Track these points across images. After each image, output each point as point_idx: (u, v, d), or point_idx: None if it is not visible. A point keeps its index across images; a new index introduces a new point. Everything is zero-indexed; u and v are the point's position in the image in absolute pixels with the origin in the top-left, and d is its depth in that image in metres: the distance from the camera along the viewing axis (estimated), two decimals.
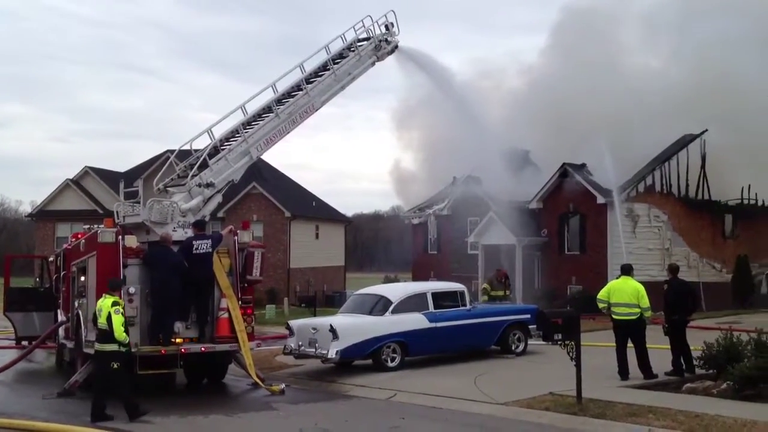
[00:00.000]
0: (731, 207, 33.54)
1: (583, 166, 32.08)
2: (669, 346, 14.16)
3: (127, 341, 12.17)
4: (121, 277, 13.90)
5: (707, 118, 32.19)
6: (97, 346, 12.34)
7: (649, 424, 10.33)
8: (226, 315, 14.96)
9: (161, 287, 14.44)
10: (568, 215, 32.69)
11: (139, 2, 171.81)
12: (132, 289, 14.32)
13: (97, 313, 12.39)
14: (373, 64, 20.69)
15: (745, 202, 33.78)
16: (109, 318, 12.03)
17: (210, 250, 14.86)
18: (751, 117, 30.63)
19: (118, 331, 11.98)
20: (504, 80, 44.15)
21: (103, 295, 12.57)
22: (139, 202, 16.24)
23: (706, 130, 32.53)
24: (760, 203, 33.93)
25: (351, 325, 16.24)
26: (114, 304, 12.16)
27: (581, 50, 38.12)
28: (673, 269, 14.86)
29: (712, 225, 33.19)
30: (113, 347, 12.06)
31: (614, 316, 14.00)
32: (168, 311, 14.51)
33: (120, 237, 14.37)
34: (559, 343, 11.91)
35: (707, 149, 32.70)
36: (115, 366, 12.04)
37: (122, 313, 12.17)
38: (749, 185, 33.40)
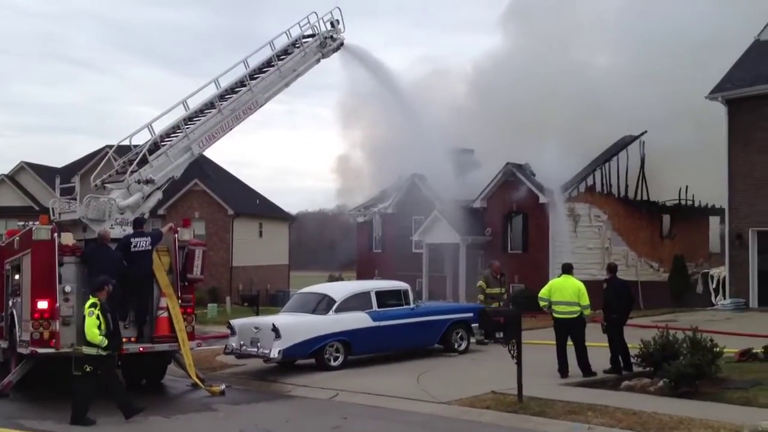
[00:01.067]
0: (669, 208, 34.35)
1: (527, 165, 32.46)
2: (607, 344, 14.38)
3: (103, 344, 11.63)
4: (57, 276, 13.52)
5: (646, 120, 32.88)
6: (83, 348, 11.92)
7: (589, 421, 10.45)
8: (165, 314, 14.70)
9: None
10: (512, 214, 33.06)
11: None
12: (68, 288, 13.99)
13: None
14: (318, 61, 20.57)
15: (682, 203, 34.61)
16: (83, 319, 11.70)
17: (149, 247, 14.57)
18: (687, 118, 31.37)
19: (89, 333, 11.54)
20: (450, 80, 44.44)
21: (90, 295, 12.22)
22: (75, 199, 15.87)
23: (645, 132, 33.24)
24: (696, 204, 34.80)
25: (294, 324, 16.10)
26: (91, 305, 11.74)
27: (527, 50, 38.57)
28: (612, 268, 15.09)
29: (650, 225, 33.93)
30: (91, 351, 11.63)
31: (555, 315, 14.16)
32: None
33: (56, 234, 14.01)
34: (501, 341, 11.98)
35: (646, 150, 33.42)
36: (88, 369, 11.64)
37: (97, 315, 11.63)
38: (686, 186, 34.23)
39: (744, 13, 30.59)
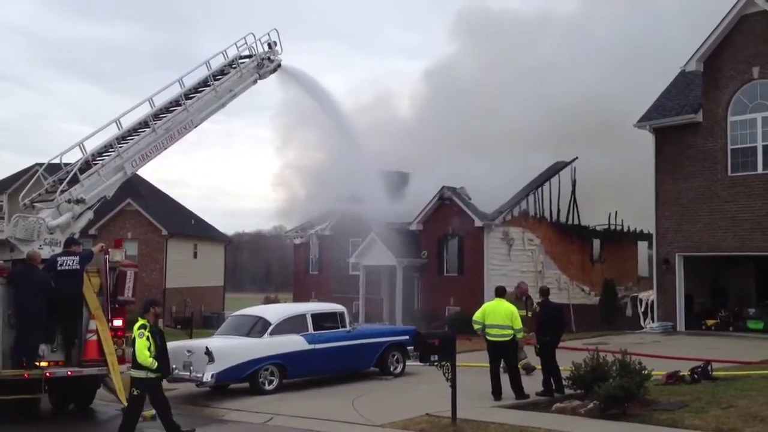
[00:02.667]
0: (599, 232, 35.18)
1: (462, 189, 32.86)
2: (540, 367, 14.59)
3: (153, 366, 11.25)
4: None
5: (578, 146, 33.74)
6: (131, 371, 11.52)
7: None
8: (94, 337, 14.31)
9: (25, 307, 13.66)
10: (447, 237, 33.37)
11: None
12: None
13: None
14: (255, 81, 20.51)
15: (612, 228, 35.48)
16: (134, 341, 11.23)
17: (77, 267, 14.18)
18: (616, 145, 32.33)
19: (140, 354, 11.13)
20: (387, 103, 44.84)
21: (138, 317, 11.75)
22: (2, 218, 15.39)
23: (577, 158, 34.05)
24: (625, 229, 35.71)
25: (227, 348, 15.88)
26: (141, 327, 11.30)
27: (464, 72, 39.23)
28: (544, 291, 15.38)
29: (581, 249, 34.67)
30: (141, 374, 11.22)
31: (488, 338, 14.31)
32: (32, 333, 13.73)
33: None
34: (435, 364, 12.05)
35: (577, 176, 34.22)
36: (135, 392, 11.25)
37: (147, 337, 11.22)
38: (615, 212, 35.14)
39: (671, 45, 31.74)
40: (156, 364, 11.31)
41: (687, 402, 12.52)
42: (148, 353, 11.19)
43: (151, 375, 11.34)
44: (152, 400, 11.46)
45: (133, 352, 11.31)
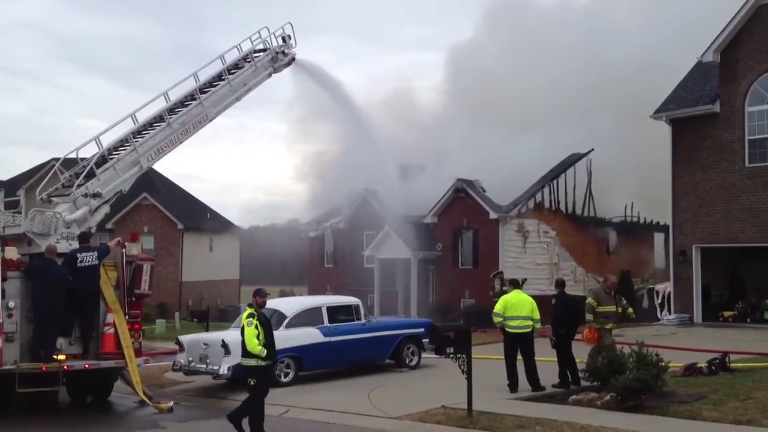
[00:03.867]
0: (615, 224, 34.99)
1: (477, 181, 32.78)
2: (556, 359, 14.56)
3: (263, 354, 11.17)
4: (1, 291, 13.18)
5: (594, 138, 33.56)
6: (242, 360, 11.51)
7: None
8: (112, 330, 14.40)
9: (43, 301, 13.77)
10: (462, 230, 33.30)
11: (13, 1, 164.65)
12: (11, 304, 13.61)
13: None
14: (269, 75, 20.50)
15: (628, 219, 35.29)
16: (242, 330, 11.20)
17: (96, 262, 14.29)
18: (633, 137, 32.13)
19: (250, 343, 11.08)
20: (403, 97, 44.79)
21: (247, 306, 11.76)
22: (20, 212, 15.50)
23: (592, 150, 33.86)
24: (641, 221, 35.51)
25: None
26: (249, 315, 11.27)
27: (480, 66, 39.07)
28: (560, 284, 15.32)
29: (597, 241, 34.51)
30: (251, 362, 11.18)
31: (509, 330, 14.27)
32: (50, 326, 13.84)
33: None
34: (450, 356, 12.05)
35: (593, 168, 34.04)
36: (251, 382, 11.22)
37: (255, 325, 11.17)
38: (632, 203, 34.94)
39: (688, 35, 31.48)
40: (265, 351, 11.20)
41: (704, 394, 12.47)
42: (257, 341, 11.08)
43: (262, 362, 11.23)
44: (253, 387, 11.34)
45: (243, 340, 11.20)
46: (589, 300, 14.63)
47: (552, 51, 39.47)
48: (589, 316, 14.24)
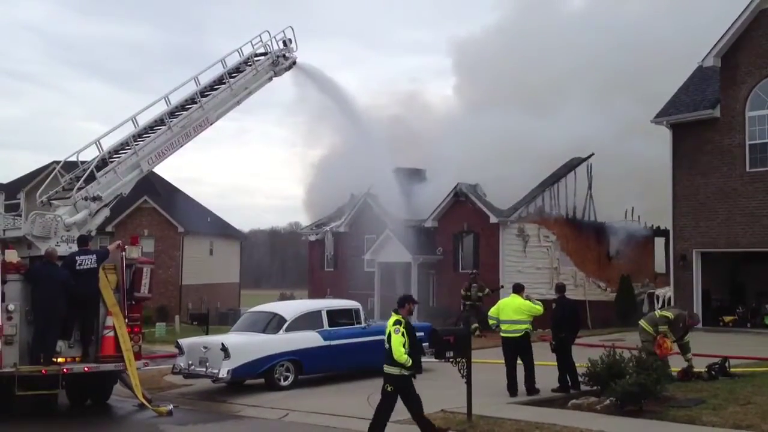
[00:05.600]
0: (615, 228, 34.94)
1: (477, 185, 32.78)
2: (556, 363, 14.55)
3: (408, 363, 10.77)
4: (1, 294, 13.18)
5: (593, 142, 33.56)
6: (384, 367, 11.12)
7: None
8: (111, 333, 14.41)
9: (43, 304, 13.79)
10: (462, 234, 33.28)
11: (12, 3, 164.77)
12: (11, 307, 13.62)
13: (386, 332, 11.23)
14: (270, 79, 20.54)
15: (628, 223, 35.23)
16: (389, 337, 10.85)
17: (95, 265, 14.30)
18: (633, 141, 32.11)
19: (397, 353, 10.69)
20: (403, 101, 44.82)
21: (392, 312, 11.36)
22: (20, 215, 15.52)
23: (593, 154, 33.86)
24: (642, 225, 35.48)
25: (243, 344, 15.94)
26: (396, 323, 10.90)
27: (479, 71, 39.08)
28: (561, 288, 15.32)
29: (598, 245, 34.47)
30: (395, 370, 10.80)
31: (502, 334, 14.35)
32: (50, 329, 13.85)
33: None
34: (450, 360, 12.04)
35: (593, 172, 34.04)
36: (389, 389, 10.89)
37: (403, 333, 10.77)
38: (632, 208, 34.92)
39: (689, 39, 31.48)
40: (410, 360, 10.84)
41: (704, 398, 12.47)
42: (403, 349, 10.71)
43: (405, 372, 10.89)
44: (405, 397, 11.03)
45: (389, 347, 10.82)
46: (670, 316, 14.80)
47: (552, 53, 39.49)
48: (663, 328, 14.50)
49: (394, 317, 10.98)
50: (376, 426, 10.93)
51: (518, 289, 14.77)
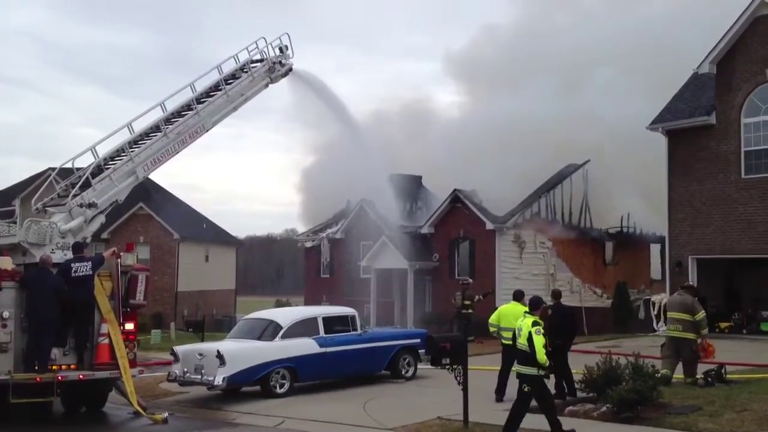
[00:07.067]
0: (611, 235, 35.00)
1: (473, 192, 32.80)
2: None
3: (548, 364, 10.85)
4: None
5: (589, 149, 33.62)
6: (517, 367, 11.22)
7: None
8: (106, 341, 14.36)
9: (38, 311, 13.74)
10: (459, 240, 33.30)
11: (8, 9, 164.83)
12: (6, 314, 13.57)
13: (516, 332, 11.29)
14: (266, 85, 20.54)
15: (624, 230, 35.30)
16: (530, 338, 10.85)
17: (90, 272, 14.26)
18: (627, 148, 32.19)
19: (540, 353, 10.70)
20: (400, 107, 44.84)
21: (524, 314, 11.51)
22: (15, 222, 15.47)
23: (589, 161, 33.92)
24: (637, 232, 35.53)
25: (239, 351, 15.89)
26: (534, 324, 10.95)
27: (474, 79, 39.13)
28: (556, 294, 15.31)
29: (594, 252, 34.50)
30: (532, 371, 10.83)
31: (503, 341, 14.31)
32: (44, 337, 13.81)
33: None
34: (447, 367, 12.02)
35: (589, 179, 34.09)
36: (526, 389, 10.92)
37: (543, 334, 10.87)
38: (628, 214, 34.97)
39: (684, 46, 31.59)
40: (549, 362, 10.92)
41: (700, 405, 12.44)
42: (544, 350, 10.76)
43: (541, 372, 10.91)
44: (540, 396, 11.08)
45: (531, 349, 10.76)
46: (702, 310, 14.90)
47: (547, 60, 39.59)
48: (701, 316, 14.78)
49: (530, 318, 11.09)
50: (511, 425, 11.02)
51: (519, 296, 14.72)
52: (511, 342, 14.09)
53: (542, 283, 31.36)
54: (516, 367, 11.19)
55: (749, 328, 25.63)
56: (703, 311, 14.80)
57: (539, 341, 10.71)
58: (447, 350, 12.06)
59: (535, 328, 10.84)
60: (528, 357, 10.77)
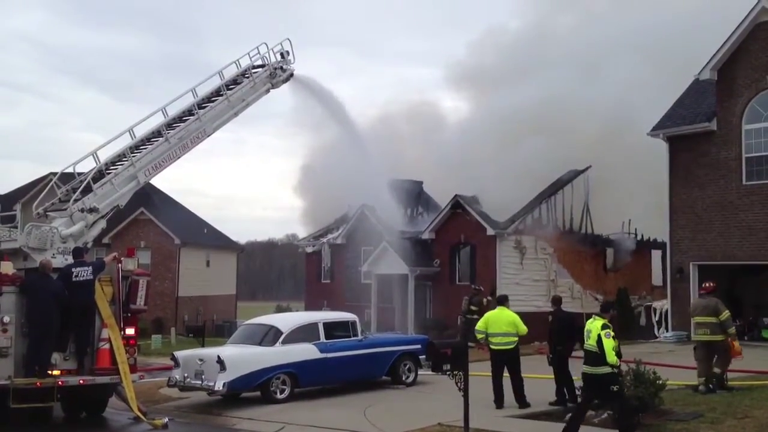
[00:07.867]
0: (612, 241, 34.95)
1: (474, 198, 32.77)
2: (553, 376, 14.50)
3: (618, 364, 11.27)
4: None
5: (590, 156, 33.60)
6: (585, 368, 11.51)
7: None
8: (107, 346, 14.37)
9: (39, 316, 13.74)
10: (460, 246, 33.24)
11: (7, 13, 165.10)
12: (6, 319, 13.57)
13: (585, 334, 11.60)
14: (267, 91, 20.60)
15: (625, 236, 35.24)
16: (599, 341, 11.21)
17: (90, 277, 14.26)
18: (630, 154, 32.18)
19: (610, 355, 11.11)
20: (401, 112, 44.89)
21: (593, 316, 11.79)
22: (16, 227, 15.48)
23: (590, 167, 33.89)
24: (639, 238, 35.49)
25: (239, 356, 15.88)
26: (604, 326, 11.33)
27: (474, 84, 39.16)
28: (557, 301, 15.31)
29: (595, 258, 34.45)
30: (605, 369, 11.18)
31: (492, 346, 14.37)
32: (45, 341, 13.80)
33: None
34: (448, 373, 12.00)
35: (590, 185, 34.06)
36: (615, 389, 11.24)
37: (613, 337, 11.29)
38: (629, 220, 34.93)
39: (685, 52, 31.59)
40: (618, 362, 11.30)
41: (702, 412, 12.41)
42: (614, 352, 11.15)
43: (615, 369, 11.28)
44: (618, 394, 11.37)
45: (601, 350, 11.15)
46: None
47: (548, 65, 39.63)
48: (725, 316, 14.64)
49: (600, 321, 11.45)
50: (573, 424, 11.36)
51: (503, 300, 14.86)
52: (500, 347, 14.18)
53: (543, 289, 31.30)
54: (585, 368, 11.49)
55: (751, 334, 25.58)
56: (727, 311, 14.67)
57: (608, 344, 11.14)
58: (448, 356, 12.05)
59: (604, 331, 11.26)
60: (598, 358, 11.17)
